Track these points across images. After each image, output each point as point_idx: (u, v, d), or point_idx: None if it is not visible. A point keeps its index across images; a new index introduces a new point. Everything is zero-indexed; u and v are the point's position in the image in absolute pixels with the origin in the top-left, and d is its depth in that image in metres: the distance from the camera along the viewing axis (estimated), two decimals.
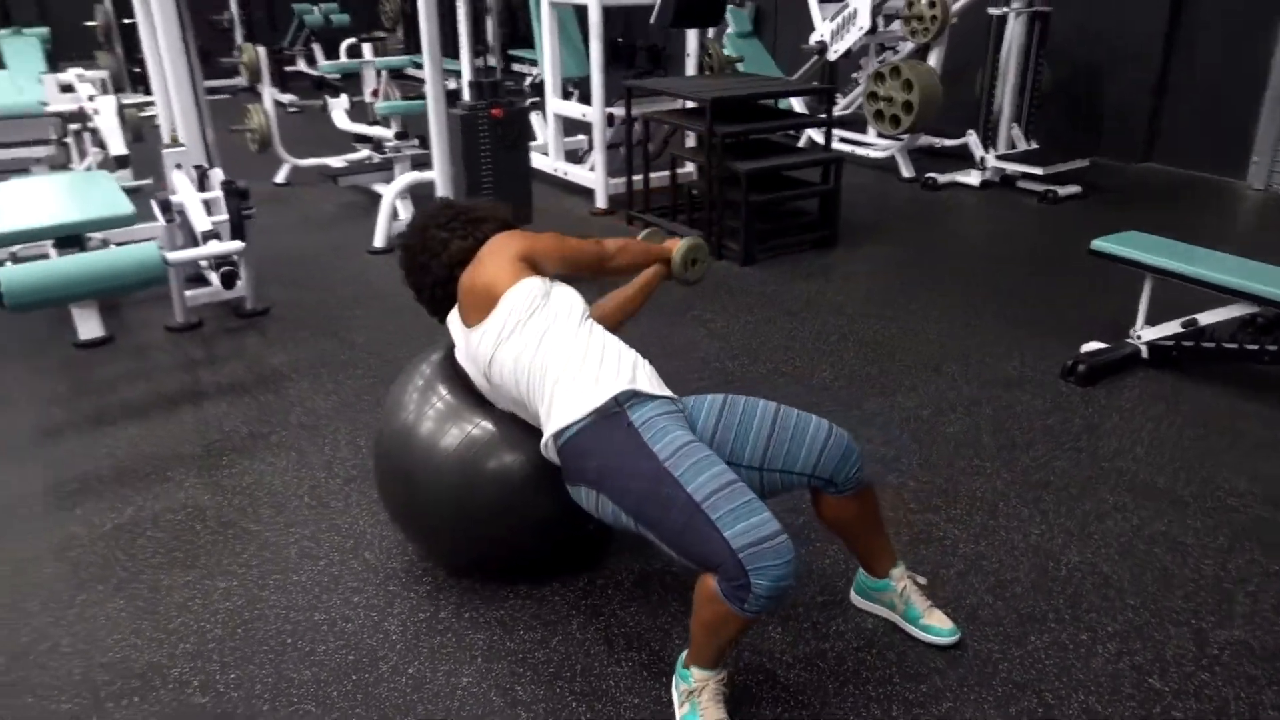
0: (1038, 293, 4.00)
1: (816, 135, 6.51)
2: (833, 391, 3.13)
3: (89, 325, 3.54)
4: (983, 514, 2.46)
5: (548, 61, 5.42)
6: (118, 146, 4.64)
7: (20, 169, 4.26)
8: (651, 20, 4.68)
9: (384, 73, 6.04)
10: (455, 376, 2.12)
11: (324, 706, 1.85)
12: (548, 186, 5.72)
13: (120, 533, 2.40)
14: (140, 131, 5.52)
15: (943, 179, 5.70)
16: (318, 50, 10.35)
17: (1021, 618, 2.08)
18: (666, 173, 4.90)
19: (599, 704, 1.85)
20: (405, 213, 4.61)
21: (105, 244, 3.25)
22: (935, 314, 3.78)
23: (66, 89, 5.23)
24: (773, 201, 4.55)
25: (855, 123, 6.58)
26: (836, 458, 1.88)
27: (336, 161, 5.87)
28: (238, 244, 3.25)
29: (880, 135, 6.11)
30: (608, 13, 4.87)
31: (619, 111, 4.95)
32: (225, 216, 3.35)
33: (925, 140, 6.29)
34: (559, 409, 1.85)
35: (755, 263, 4.37)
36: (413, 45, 10.51)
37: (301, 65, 10.46)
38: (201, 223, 3.27)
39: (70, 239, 3.20)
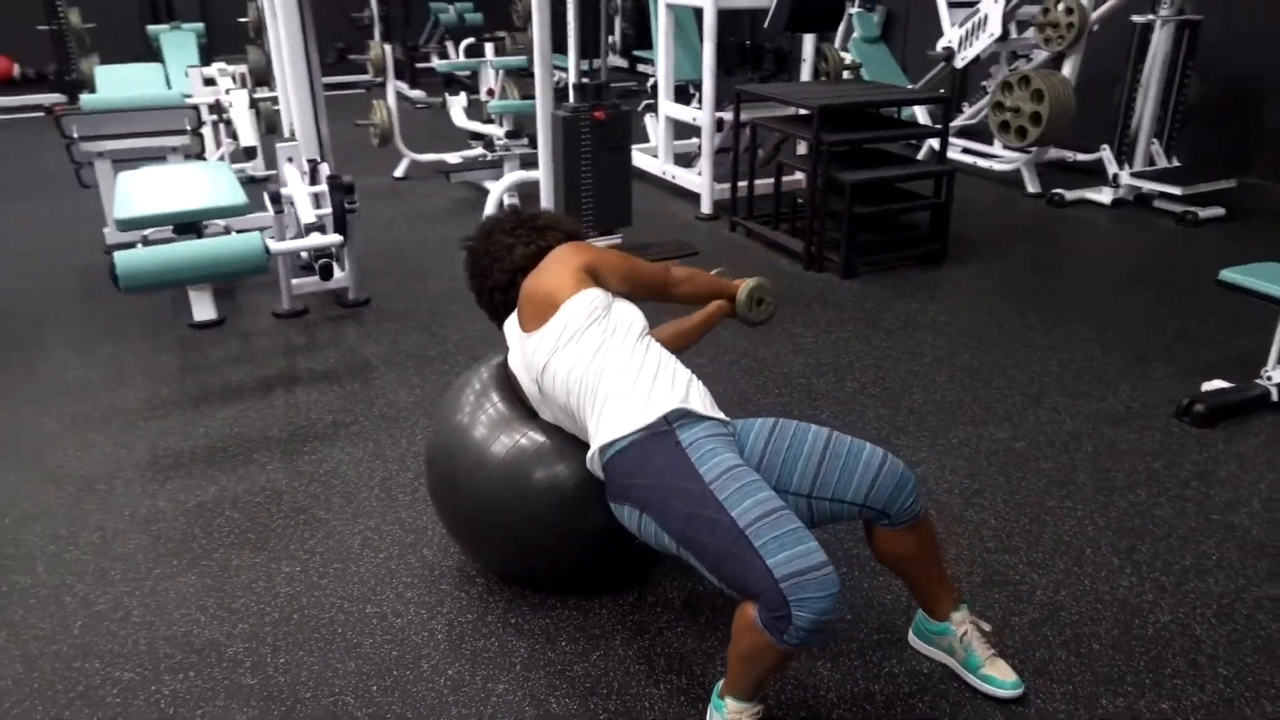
0: (1161, 323, 3.72)
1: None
2: (920, 416, 2.99)
3: (203, 308, 3.74)
4: (1067, 560, 2.29)
5: (661, 63, 5.40)
6: (247, 138, 4.89)
7: (158, 157, 4.53)
8: (765, 24, 4.59)
9: (500, 72, 6.15)
10: (509, 385, 2.12)
11: (362, 699, 1.88)
12: (654, 189, 5.72)
13: (202, 511, 2.52)
14: (274, 124, 5.81)
15: (1070, 195, 5.39)
16: (451, 48, 10.67)
17: (1096, 677, 1.93)
18: (773, 180, 4.79)
19: None
20: None
21: (227, 231, 3.42)
22: (1043, 340, 3.57)
23: (209, 82, 5.56)
24: (879, 214, 4.40)
25: (981, 133, 6.31)
26: (890, 487, 1.79)
27: (453, 158, 6.02)
28: (336, 238, 3.37)
29: (1006, 147, 5.83)
30: (732, 15, 4.82)
31: (730, 116, 4.89)
32: (330, 210, 3.46)
33: (1056, 154, 5.97)
34: (608, 423, 1.82)
35: (856, 276, 4.23)
36: (559, 45, 10.73)
37: (435, 62, 10.80)
38: (305, 215, 3.39)
39: (188, 225, 3.38)
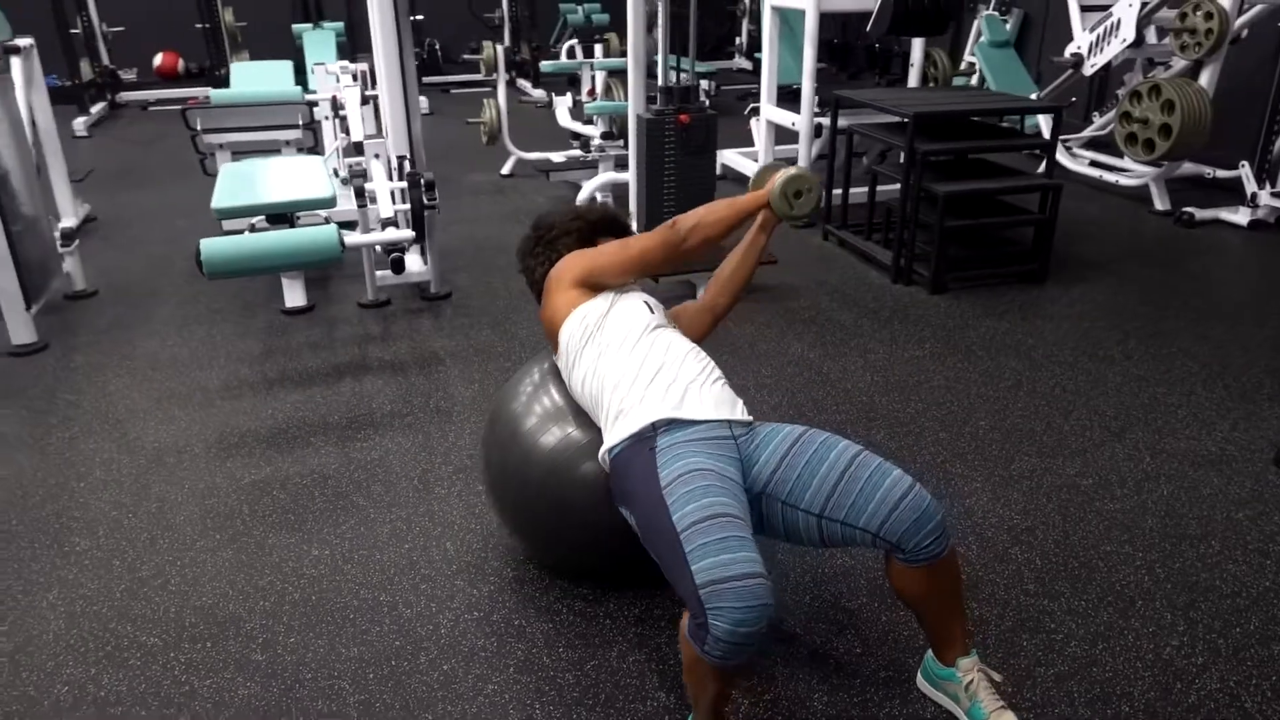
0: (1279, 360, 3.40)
1: (1067, 159, 5.95)
2: (983, 444, 2.83)
3: (295, 294, 3.92)
4: (1112, 611, 2.12)
5: (765, 65, 5.32)
6: (357, 133, 5.09)
7: (273, 149, 4.78)
8: (868, 28, 4.45)
9: (604, 73, 6.20)
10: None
11: (357, 685, 1.93)
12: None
13: (253, 488, 2.64)
14: None
15: (1202, 215, 4.99)
16: (578, 48, 10.83)
17: None
18: (868, 189, 4.64)
19: None
20: None
21: (327, 222, 3.56)
22: (1141, 370, 3.32)
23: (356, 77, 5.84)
24: (975, 228, 4.19)
25: (1112, 145, 5.92)
26: (908, 522, 1.67)
27: (558, 157, 6.11)
28: (407, 234, 3.47)
29: (1135, 161, 5.45)
30: (860, 18, 4.69)
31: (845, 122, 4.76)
32: (408, 206, 3.57)
33: (1191, 168, 5.54)
34: (611, 429, 1.86)
35: (945, 292, 4.05)
36: (674, 46, 10.76)
37: (544, 64, 10.99)
38: (384, 210, 3.51)
39: (279, 216, 3.55)
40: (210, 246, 3.05)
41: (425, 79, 9.51)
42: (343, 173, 4.61)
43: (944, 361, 3.40)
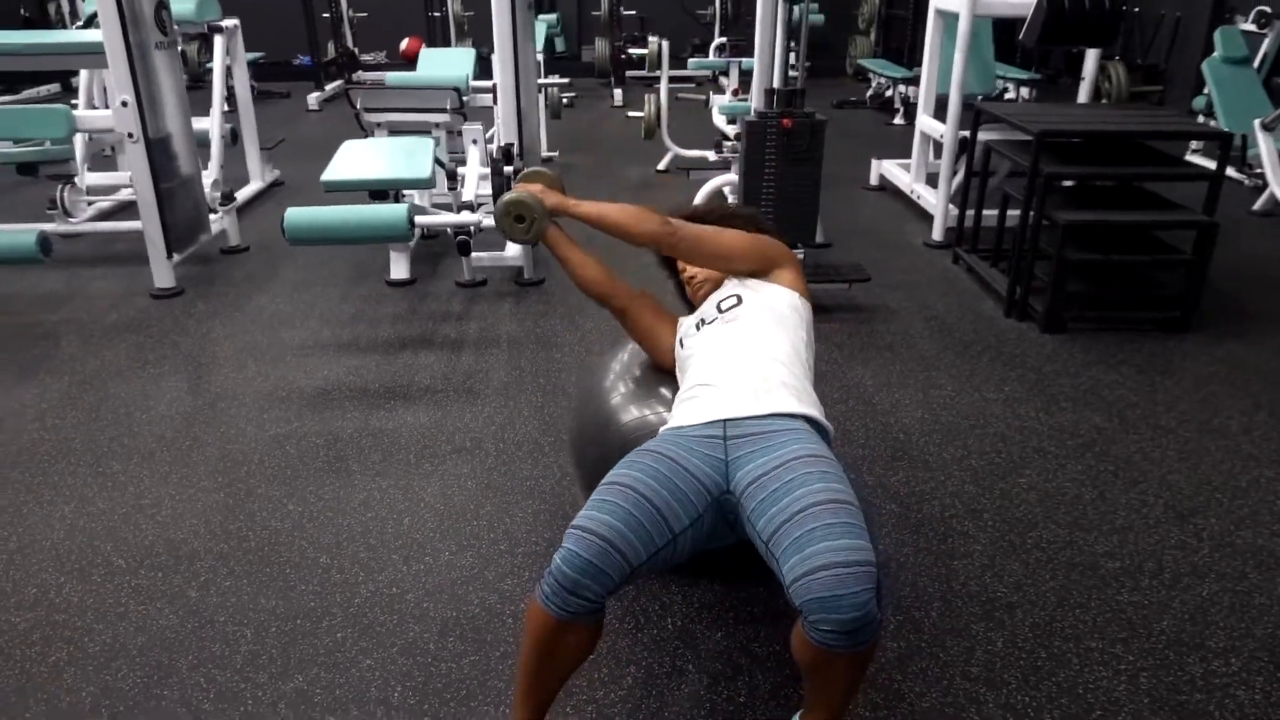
0: None
1: None
2: (1008, 504, 2.52)
3: (399, 268, 4.17)
4: (1059, 717, 1.83)
5: (925, 72, 4.99)
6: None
7: (424, 130, 5.08)
8: (1019, 36, 4.05)
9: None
10: (652, 366, 2.21)
11: (257, 636, 2.03)
12: (902, 206, 5.35)
13: (271, 441, 2.84)
14: (558, 110, 6.25)
15: None
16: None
17: None
18: (998, 212, 4.24)
19: None
20: None
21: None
22: (1252, 448, 2.81)
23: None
24: (1109, 263, 3.72)
25: None
26: (815, 594, 1.43)
27: (714, 155, 6.05)
28: (474, 218, 3.57)
29: None
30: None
31: (986, 135, 4.39)
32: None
33: None
34: None
35: (1060, 331, 3.62)
36: (886, 49, 10.32)
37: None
38: (467, 193, 3.64)
39: (380, 192, 3.79)
40: (292, 215, 3.31)
41: (631, 74, 9.72)
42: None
43: (1016, 408, 3.05)
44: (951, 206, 4.61)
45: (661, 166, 6.26)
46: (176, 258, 4.05)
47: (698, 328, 2.01)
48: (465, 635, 2.04)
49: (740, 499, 1.66)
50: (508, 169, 3.65)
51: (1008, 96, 6.97)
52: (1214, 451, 2.80)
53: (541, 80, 6.32)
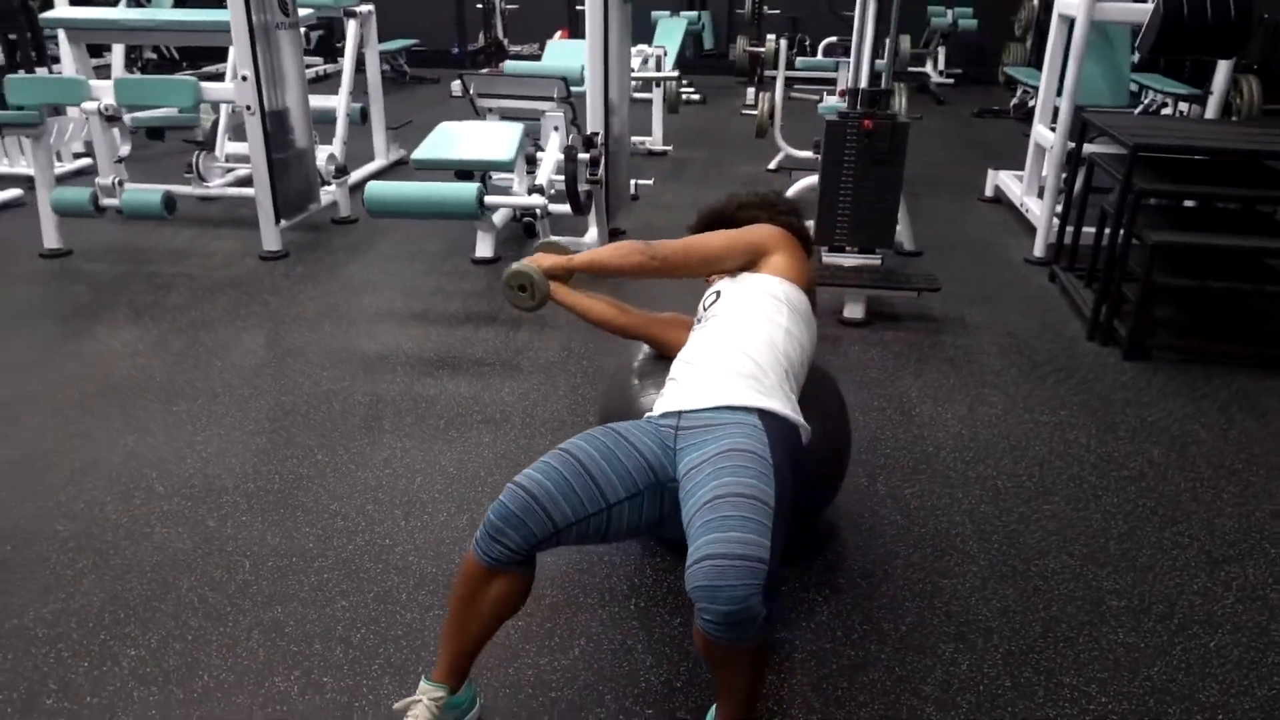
0: None
1: None
2: (1023, 530, 2.40)
3: (484, 246, 4.33)
4: None
5: (1044, 79, 4.75)
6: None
7: (534, 117, 5.25)
8: (1135, 45, 3.80)
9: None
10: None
11: (255, 567, 2.20)
12: (1010, 218, 5.13)
13: (321, 396, 3.04)
14: (675, 104, 6.32)
15: None
16: (941, 53, 10.29)
17: None
18: (1095, 229, 4.00)
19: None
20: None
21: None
22: None
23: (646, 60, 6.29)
24: (1202, 290, 3.44)
25: None
26: (698, 581, 1.44)
27: (814, 155, 5.96)
28: (539, 200, 3.67)
29: None
30: None
31: (1098, 148, 4.15)
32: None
33: None
34: None
35: (1145, 359, 3.39)
36: (1038, 58, 9.80)
37: (928, 66, 10.51)
38: (540, 178, 3.75)
39: (465, 173, 3.96)
40: (371, 189, 3.52)
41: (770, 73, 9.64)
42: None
43: (1067, 433, 2.89)
44: (1057, 222, 4.38)
45: (772, 165, 6.22)
46: (284, 223, 4.36)
47: (699, 319, 2.06)
48: (437, 590, 2.14)
49: (679, 486, 1.69)
50: (582, 156, 3.74)
51: (1164, 112, 6.51)
52: (1277, 495, 2.57)
53: (662, 74, 6.40)
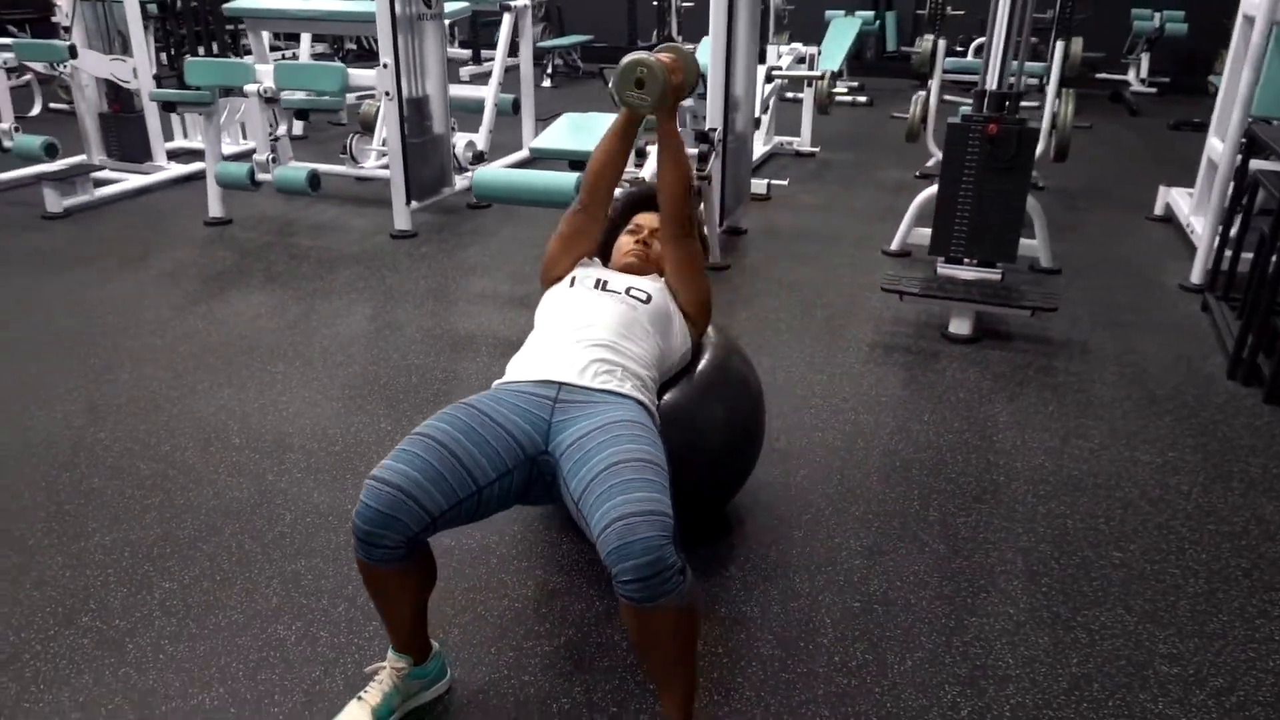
0: None
1: None
2: (1066, 572, 2.18)
3: None
4: None
5: (1224, 88, 4.28)
6: (756, 108, 5.35)
7: None
8: None
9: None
10: None
11: (295, 520, 2.33)
12: (1179, 241, 4.69)
13: (401, 369, 3.18)
14: (825, 105, 6.17)
15: None
16: (1145, 59, 9.48)
17: None
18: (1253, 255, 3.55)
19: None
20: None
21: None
22: None
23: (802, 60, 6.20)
24: None
25: None
26: (611, 544, 1.45)
27: None
28: None
29: None
30: None
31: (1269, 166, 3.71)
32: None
33: None
34: None
35: None
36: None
37: (1130, 73, 9.73)
38: (645, 171, 3.75)
39: (578, 162, 4.01)
40: (480, 174, 3.64)
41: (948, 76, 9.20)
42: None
43: (1168, 478, 2.59)
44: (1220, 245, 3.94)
45: (920, 171, 5.94)
46: (415, 205, 4.59)
47: (596, 285, 1.98)
48: (452, 562, 2.19)
49: (559, 460, 1.67)
50: (690, 151, 3.70)
51: None
52: None
53: (811, 73, 6.25)
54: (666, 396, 2.06)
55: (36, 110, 7.17)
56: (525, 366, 1.85)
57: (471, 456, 1.63)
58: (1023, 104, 6.12)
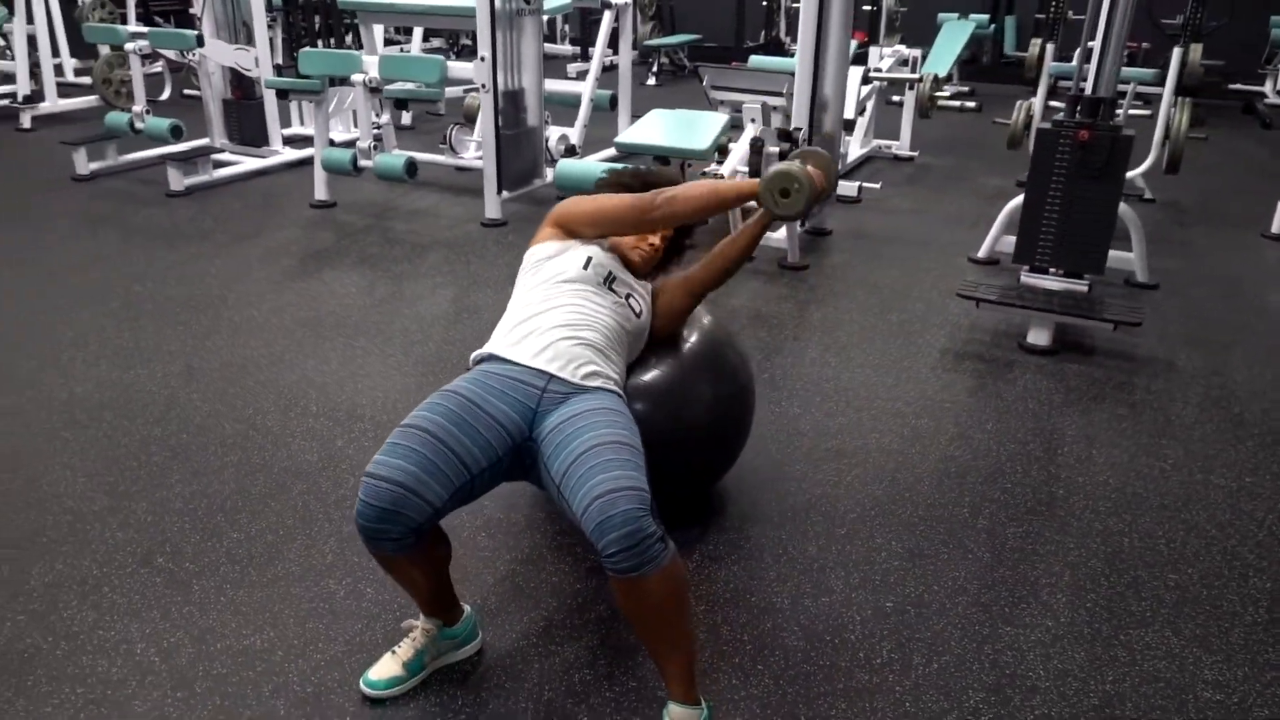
0: None
1: None
2: (1121, 592, 2.12)
3: None
4: None
5: None
6: (849, 110, 5.30)
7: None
8: None
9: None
10: None
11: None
12: None
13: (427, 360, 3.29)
14: (926, 109, 6.07)
15: None
16: None
17: None
18: None
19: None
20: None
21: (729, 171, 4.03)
22: None
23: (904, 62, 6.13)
24: None
25: None
26: (594, 521, 1.52)
27: None
28: None
29: None
30: None
31: None
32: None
33: None
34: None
35: None
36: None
37: (1266, 85, 9.17)
38: (724, 168, 3.78)
39: (662, 158, 4.08)
40: (562, 166, 3.74)
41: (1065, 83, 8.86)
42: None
43: (1241, 502, 2.48)
44: None
45: (1020, 179, 5.75)
46: (506, 195, 4.73)
47: (606, 280, 1.97)
48: (496, 534, 2.28)
49: (540, 445, 1.73)
50: (771, 149, 3.72)
51: None
52: None
53: (910, 76, 6.15)
54: (654, 375, 2.13)
55: (166, 95, 7.66)
56: (518, 346, 1.84)
57: (464, 445, 1.67)
58: (1132, 112, 5.90)
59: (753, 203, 2.02)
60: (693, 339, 2.24)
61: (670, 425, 2.10)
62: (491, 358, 1.88)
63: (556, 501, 1.70)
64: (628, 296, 2.02)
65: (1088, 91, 3.44)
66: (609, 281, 2.00)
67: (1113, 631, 2.01)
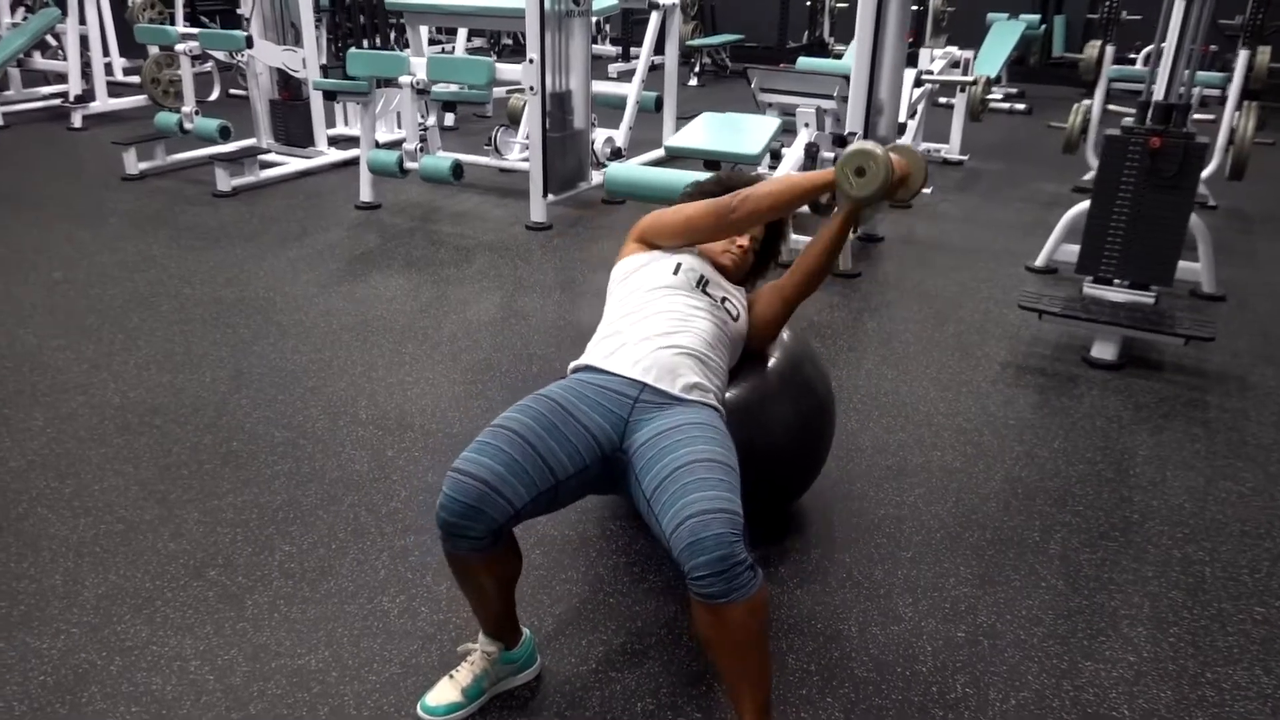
0: None
1: None
2: (1203, 624, 2.02)
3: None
4: None
5: None
6: (902, 112, 5.20)
7: None
8: None
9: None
10: None
11: (424, 500, 2.43)
12: None
13: (519, 358, 3.25)
14: (977, 112, 5.96)
15: None
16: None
17: None
18: None
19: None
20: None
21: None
22: None
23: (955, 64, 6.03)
24: None
25: None
26: (684, 541, 1.47)
27: None
28: None
29: None
30: None
31: None
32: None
33: None
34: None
35: None
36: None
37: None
38: (778, 171, 3.69)
39: (712, 163, 4.01)
40: (611, 170, 3.68)
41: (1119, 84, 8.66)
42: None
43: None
44: None
45: (1076, 185, 5.62)
46: (552, 198, 4.68)
47: (698, 284, 1.95)
48: (551, 553, 2.23)
49: (631, 458, 1.67)
50: (825, 155, 3.63)
51: None
52: None
53: (963, 78, 6.02)
54: (734, 392, 2.06)
55: (215, 95, 7.71)
56: (612, 356, 1.81)
57: (551, 451, 1.64)
58: (1196, 116, 5.73)
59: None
60: (775, 353, 2.19)
61: (752, 442, 2.01)
62: (587, 368, 1.85)
63: (644, 517, 1.65)
64: (723, 300, 1.98)
65: (1157, 96, 3.32)
66: (702, 285, 1.97)
67: (1199, 668, 1.91)
